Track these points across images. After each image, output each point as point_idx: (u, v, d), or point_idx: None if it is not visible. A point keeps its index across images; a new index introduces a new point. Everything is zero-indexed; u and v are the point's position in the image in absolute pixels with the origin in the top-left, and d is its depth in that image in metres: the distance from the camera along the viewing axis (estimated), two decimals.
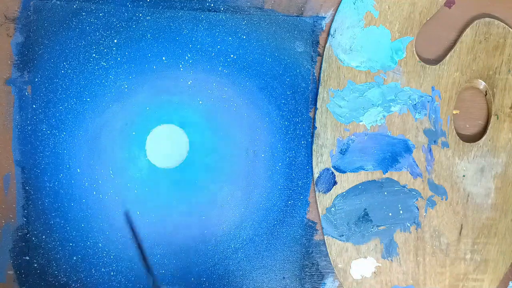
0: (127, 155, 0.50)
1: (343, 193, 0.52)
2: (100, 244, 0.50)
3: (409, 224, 0.52)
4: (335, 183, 0.52)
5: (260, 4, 0.51)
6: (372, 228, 0.52)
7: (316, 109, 0.52)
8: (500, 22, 0.52)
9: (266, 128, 0.52)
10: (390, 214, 0.52)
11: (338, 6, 0.52)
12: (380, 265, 0.53)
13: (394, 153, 0.52)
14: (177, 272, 0.51)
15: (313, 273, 0.53)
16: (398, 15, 0.51)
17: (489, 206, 0.53)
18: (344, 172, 0.52)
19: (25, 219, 0.50)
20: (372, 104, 0.52)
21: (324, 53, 0.52)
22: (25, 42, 0.49)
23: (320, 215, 0.52)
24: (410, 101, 0.52)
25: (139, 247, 0.41)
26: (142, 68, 0.50)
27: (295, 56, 0.52)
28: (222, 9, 0.51)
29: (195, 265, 0.51)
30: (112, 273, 0.51)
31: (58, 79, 0.49)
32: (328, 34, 0.52)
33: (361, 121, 0.52)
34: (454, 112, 0.53)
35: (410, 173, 0.52)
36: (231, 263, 0.52)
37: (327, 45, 0.52)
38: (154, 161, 0.50)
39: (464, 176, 0.53)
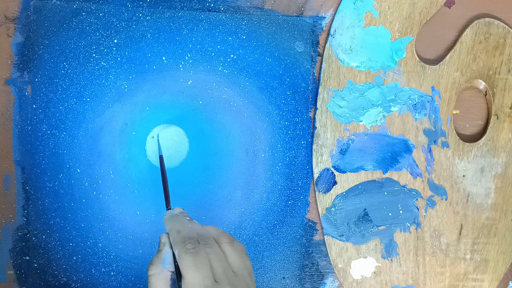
0: (127, 155, 0.50)
1: (343, 193, 0.52)
2: (100, 244, 0.50)
3: (409, 224, 0.52)
4: (335, 183, 0.52)
5: (260, 4, 0.51)
6: (372, 228, 0.52)
7: (316, 109, 0.52)
8: (500, 22, 0.52)
9: (266, 128, 0.52)
10: (390, 214, 0.52)
11: (338, 6, 0.52)
12: (380, 265, 0.53)
13: (394, 153, 0.52)
14: None
15: (313, 273, 0.53)
16: (398, 15, 0.51)
17: (489, 206, 0.53)
18: (344, 172, 0.52)
19: (25, 219, 0.50)
20: (372, 104, 0.52)
21: (324, 53, 0.52)
22: (25, 42, 0.49)
23: (320, 215, 0.52)
24: (410, 101, 0.52)
25: (164, 184, 0.43)
26: (142, 68, 0.50)
27: (295, 56, 0.51)
28: (222, 9, 0.51)
29: None
30: (112, 273, 0.51)
31: (58, 79, 0.49)
32: (328, 34, 0.52)
33: (361, 121, 0.52)
34: (454, 112, 0.53)
35: (410, 173, 0.52)
36: None
37: (327, 45, 0.52)
38: (154, 161, 0.50)
39: (464, 176, 0.53)
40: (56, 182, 0.50)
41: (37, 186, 0.50)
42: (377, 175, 0.52)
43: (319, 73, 0.52)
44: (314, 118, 0.52)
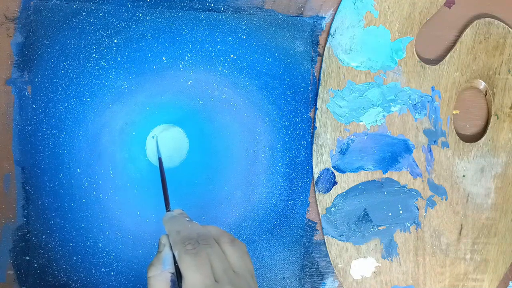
0: (127, 155, 0.50)
1: (343, 193, 0.52)
2: (100, 244, 0.50)
3: (409, 224, 0.52)
4: (335, 183, 0.52)
5: (260, 4, 0.51)
6: (372, 228, 0.52)
7: (316, 109, 0.52)
8: (500, 22, 0.52)
9: (266, 128, 0.52)
10: (390, 214, 0.52)
11: (338, 6, 0.52)
12: (380, 265, 0.53)
13: (394, 153, 0.52)
14: None
15: (313, 273, 0.53)
16: (398, 15, 0.51)
17: (489, 206, 0.53)
18: (344, 172, 0.52)
19: (25, 219, 0.50)
20: (372, 104, 0.52)
21: (324, 53, 0.52)
22: (25, 42, 0.49)
23: (320, 215, 0.52)
24: (410, 101, 0.52)
25: (164, 186, 0.43)
26: (142, 68, 0.50)
27: (295, 56, 0.51)
28: (222, 9, 0.51)
29: None
30: (112, 273, 0.51)
31: (58, 79, 0.49)
32: (328, 34, 0.52)
33: (361, 121, 0.52)
34: (454, 112, 0.53)
35: (410, 173, 0.52)
36: None
37: (327, 45, 0.52)
38: (154, 161, 0.50)
39: (464, 176, 0.53)
40: (56, 182, 0.50)
41: (37, 186, 0.50)
42: (377, 175, 0.52)
43: (319, 73, 0.52)
44: (314, 118, 0.52)
